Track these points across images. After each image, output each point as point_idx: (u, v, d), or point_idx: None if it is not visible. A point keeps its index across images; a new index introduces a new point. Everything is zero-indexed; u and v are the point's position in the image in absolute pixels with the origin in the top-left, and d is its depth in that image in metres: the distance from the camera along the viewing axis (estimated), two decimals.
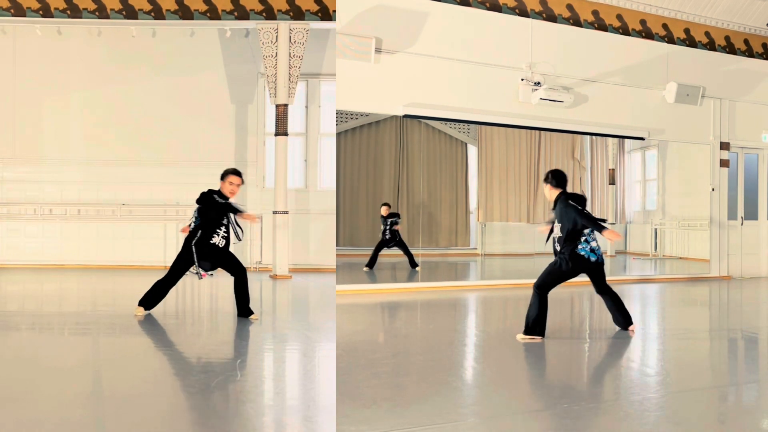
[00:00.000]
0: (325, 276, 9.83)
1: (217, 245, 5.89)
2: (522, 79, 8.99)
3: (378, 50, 8.08)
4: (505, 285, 8.98)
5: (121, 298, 6.42)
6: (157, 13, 9.46)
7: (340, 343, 4.86)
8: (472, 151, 10.03)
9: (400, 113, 8.37)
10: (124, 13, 9.45)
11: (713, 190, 10.63)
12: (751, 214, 11.26)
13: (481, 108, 8.82)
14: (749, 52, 11.31)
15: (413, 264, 9.20)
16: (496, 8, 9.22)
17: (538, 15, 9.52)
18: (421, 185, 9.50)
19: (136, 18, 9.47)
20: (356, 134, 9.56)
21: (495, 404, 3.49)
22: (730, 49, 11.12)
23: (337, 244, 9.36)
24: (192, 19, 9.50)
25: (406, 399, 3.49)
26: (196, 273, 5.93)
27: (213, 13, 9.49)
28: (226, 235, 5.94)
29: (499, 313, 7.19)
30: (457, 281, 9.42)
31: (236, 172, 6.03)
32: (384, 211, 9.34)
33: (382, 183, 9.65)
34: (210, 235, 5.88)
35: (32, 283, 8.68)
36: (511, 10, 9.36)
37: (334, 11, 8.92)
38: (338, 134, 9.35)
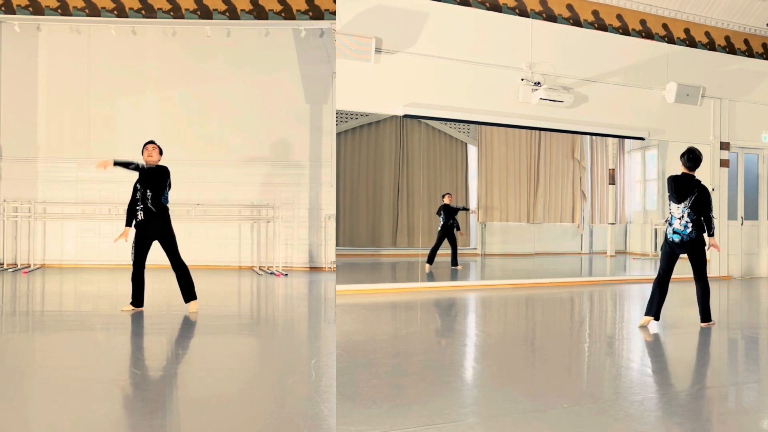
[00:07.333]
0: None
1: (138, 217, 6.30)
2: (522, 79, 8.99)
3: (378, 50, 8.08)
4: (505, 285, 8.98)
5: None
6: (232, 13, 9.46)
7: (340, 343, 4.86)
8: (472, 151, 10.03)
9: (400, 113, 8.36)
10: (198, 13, 9.45)
11: (713, 190, 10.62)
12: (751, 214, 11.26)
13: (481, 108, 8.82)
14: (749, 52, 11.31)
15: (455, 262, 9.44)
16: (496, 8, 9.22)
17: (538, 15, 9.52)
18: (421, 185, 9.50)
19: (211, 18, 9.48)
20: (356, 134, 9.56)
21: (495, 404, 3.49)
22: (730, 49, 11.12)
23: (337, 244, 9.35)
24: (267, 19, 9.51)
25: (406, 399, 3.49)
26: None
27: (288, 13, 9.48)
28: (141, 206, 6.32)
29: (499, 313, 7.19)
30: (457, 281, 9.42)
31: (151, 142, 6.48)
32: (448, 199, 9.41)
33: (382, 183, 9.65)
34: (135, 210, 6.33)
35: (107, 283, 8.65)
36: (511, 10, 9.36)
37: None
38: (338, 134, 9.35)
